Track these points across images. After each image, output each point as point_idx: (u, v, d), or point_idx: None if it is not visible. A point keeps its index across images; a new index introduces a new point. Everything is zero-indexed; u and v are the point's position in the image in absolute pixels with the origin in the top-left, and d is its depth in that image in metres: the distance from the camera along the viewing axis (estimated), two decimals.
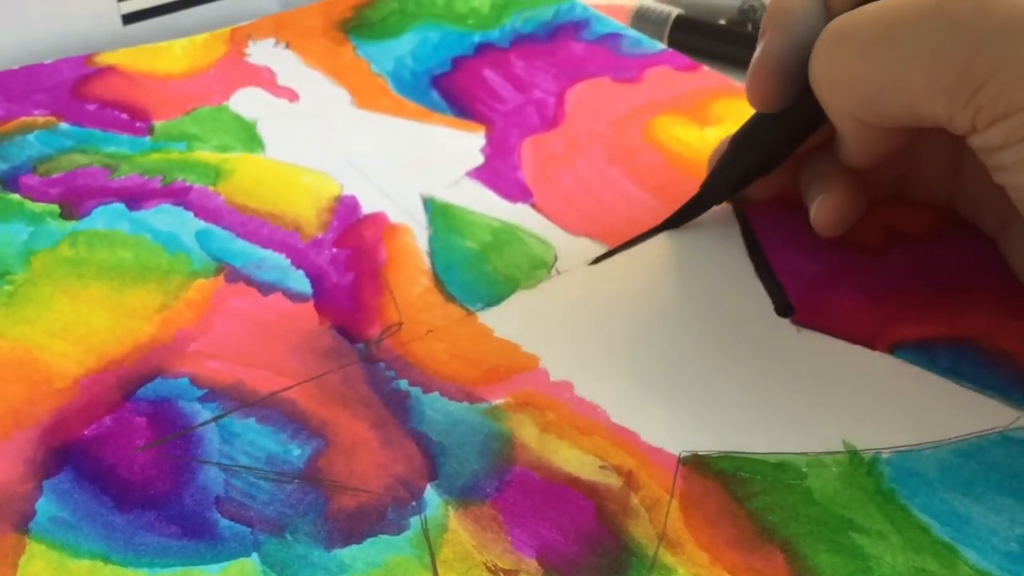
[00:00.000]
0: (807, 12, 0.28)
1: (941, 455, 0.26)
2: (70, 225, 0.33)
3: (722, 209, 0.34)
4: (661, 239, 0.33)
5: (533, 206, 0.34)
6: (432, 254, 0.32)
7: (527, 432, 0.26)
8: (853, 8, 0.27)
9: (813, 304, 0.30)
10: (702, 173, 0.35)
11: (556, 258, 0.32)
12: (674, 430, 0.27)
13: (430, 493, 0.25)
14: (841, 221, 0.31)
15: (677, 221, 0.33)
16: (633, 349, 0.29)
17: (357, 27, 0.43)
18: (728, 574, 0.23)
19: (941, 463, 0.26)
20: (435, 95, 0.39)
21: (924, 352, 0.29)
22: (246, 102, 0.39)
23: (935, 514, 0.25)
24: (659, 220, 0.33)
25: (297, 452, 0.26)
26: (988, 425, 0.27)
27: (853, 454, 0.26)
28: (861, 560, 0.24)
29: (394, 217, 0.34)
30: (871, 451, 0.26)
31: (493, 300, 0.31)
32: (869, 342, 0.29)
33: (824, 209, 0.31)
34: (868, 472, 0.26)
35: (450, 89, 0.40)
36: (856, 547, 0.24)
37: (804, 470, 0.26)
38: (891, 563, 0.24)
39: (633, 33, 0.43)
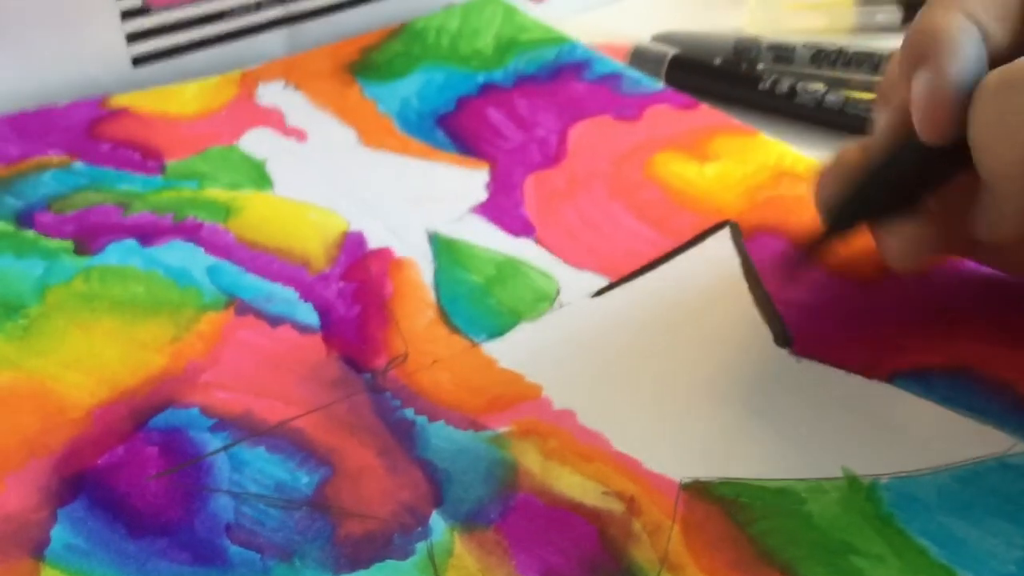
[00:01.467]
0: (973, 41, 0.26)
1: (939, 480, 0.26)
2: (84, 261, 0.34)
3: (720, 241, 0.34)
4: (661, 272, 0.33)
5: (536, 240, 0.35)
6: (437, 287, 0.33)
7: (531, 459, 0.27)
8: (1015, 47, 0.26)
9: (811, 334, 0.31)
10: (702, 207, 0.35)
11: (559, 291, 0.33)
12: (675, 457, 0.27)
13: (435, 519, 0.25)
14: (914, 263, 0.29)
15: (801, 260, 0.30)
16: (635, 379, 0.29)
17: (364, 69, 0.44)
18: None
19: (939, 488, 0.26)
20: (440, 134, 0.40)
21: (921, 381, 0.29)
22: (256, 142, 0.40)
23: (933, 537, 0.25)
24: (659, 253, 0.34)
25: (305, 480, 0.26)
26: (985, 451, 0.27)
27: (852, 480, 0.26)
28: None
29: (400, 252, 0.34)
30: (870, 477, 0.27)
31: (497, 332, 0.31)
32: (867, 371, 0.30)
33: (904, 246, 0.29)
34: (867, 497, 0.26)
35: (454, 128, 0.41)
36: (855, 570, 0.24)
37: (804, 495, 0.26)
38: None
39: (633, 73, 0.44)
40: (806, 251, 0.30)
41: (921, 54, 0.27)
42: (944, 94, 0.26)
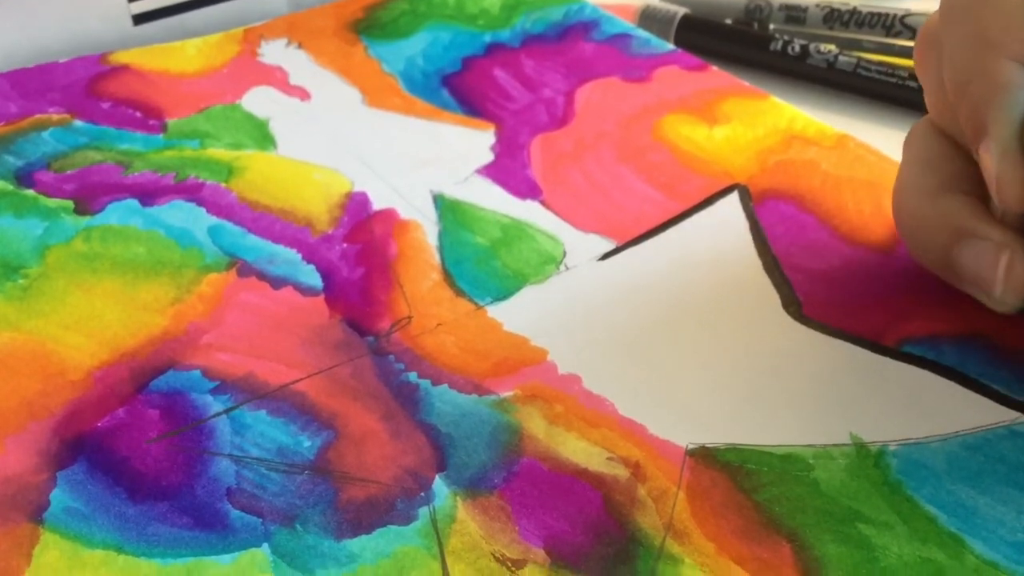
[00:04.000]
0: None
1: (948, 448, 0.26)
2: (84, 220, 0.33)
3: (729, 205, 0.34)
4: (668, 235, 0.33)
5: (542, 203, 0.34)
6: (442, 249, 0.32)
7: (535, 424, 0.27)
8: None
9: (820, 299, 0.31)
10: (711, 171, 0.35)
11: (565, 254, 0.32)
12: (681, 423, 0.27)
13: (439, 484, 0.25)
14: None
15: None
16: (641, 343, 0.29)
17: (368, 27, 0.44)
18: (734, 564, 0.23)
19: (948, 456, 0.26)
20: (445, 94, 0.40)
21: (931, 347, 0.29)
22: (258, 101, 0.39)
23: (942, 505, 0.25)
24: (667, 216, 0.33)
25: (307, 444, 0.26)
26: (995, 419, 0.27)
27: (860, 446, 0.26)
28: (867, 550, 0.24)
29: (404, 213, 0.34)
30: (878, 443, 0.26)
31: (502, 295, 0.31)
32: (877, 337, 0.29)
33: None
34: (875, 464, 0.26)
35: (460, 88, 0.40)
36: (863, 537, 0.24)
37: (811, 462, 0.26)
38: (897, 553, 0.24)
39: (642, 33, 0.43)
40: None
41: (981, 122, 0.25)
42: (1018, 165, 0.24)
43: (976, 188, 0.28)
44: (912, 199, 0.29)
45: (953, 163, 0.28)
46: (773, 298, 0.31)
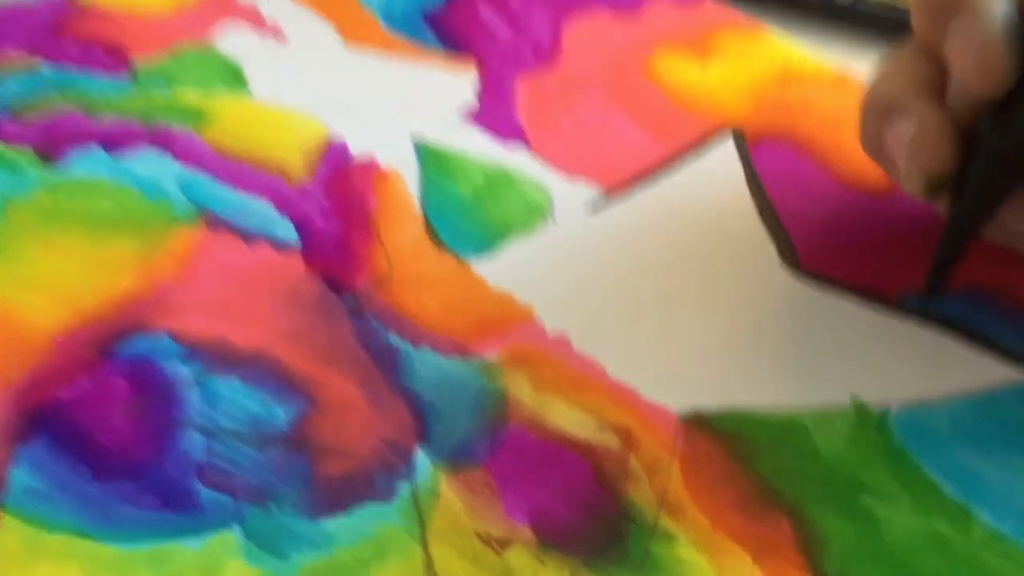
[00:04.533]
0: None
1: (953, 410, 0.25)
2: (48, 171, 0.31)
3: (724, 150, 0.32)
4: (661, 183, 0.31)
5: (528, 149, 0.33)
6: (424, 200, 0.31)
7: (522, 389, 0.25)
8: None
9: (818, 249, 0.29)
10: (704, 111, 0.33)
11: (552, 203, 0.31)
12: (674, 386, 0.25)
13: (420, 457, 0.24)
14: None
15: (937, 285, 0.26)
16: (632, 300, 0.28)
17: None
18: (731, 541, 0.22)
19: (953, 418, 0.25)
20: (427, 31, 0.38)
21: (936, 300, 0.28)
22: (231, 40, 0.37)
23: (948, 473, 0.24)
24: (659, 161, 0.32)
25: (282, 414, 0.25)
26: (1002, 376, 0.26)
27: (862, 410, 0.25)
28: (871, 523, 0.23)
29: (384, 161, 0.32)
30: (880, 406, 0.25)
31: (487, 248, 0.29)
32: (877, 289, 0.28)
33: None
34: (877, 428, 0.25)
35: (442, 24, 0.38)
36: (865, 510, 0.23)
37: (810, 427, 0.25)
38: (902, 526, 0.23)
39: None
40: (940, 271, 0.26)
41: (951, 7, 0.24)
42: (993, 40, 0.23)
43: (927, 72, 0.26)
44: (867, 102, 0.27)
45: (919, 68, 0.26)
46: (769, 249, 0.29)
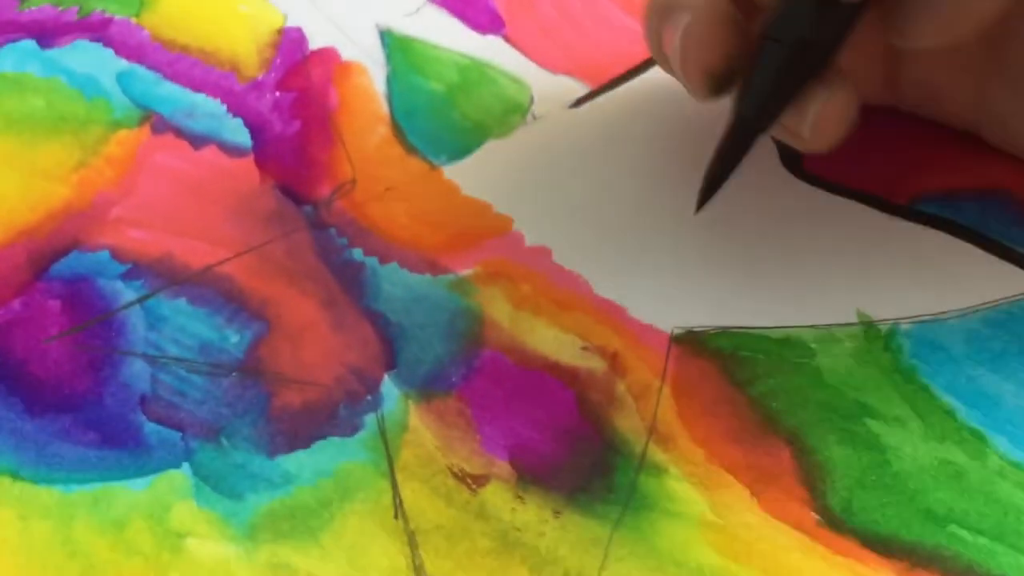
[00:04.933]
0: None
1: (968, 325, 0.23)
2: None
3: None
4: (651, 76, 0.29)
5: (505, 38, 0.30)
6: (391, 98, 0.28)
7: (499, 308, 0.23)
8: None
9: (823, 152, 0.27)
10: None
11: (532, 100, 0.28)
12: (665, 303, 0.23)
13: (387, 385, 0.22)
14: (843, 131, 0.23)
15: (716, 180, 0.23)
16: (619, 208, 0.25)
17: None
18: (726, 473, 0.21)
19: (968, 334, 0.23)
20: None
21: (947, 204, 0.25)
22: None
23: (961, 395, 0.22)
24: (648, 53, 0.29)
25: (235, 339, 0.22)
26: (1020, 289, 0.24)
27: (868, 326, 0.23)
28: (878, 452, 0.21)
29: (346, 53, 0.29)
30: (888, 322, 0.23)
31: (460, 152, 0.27)
32: (886, 194, 0.26)
33: (830, 112, 0.22)
34: (885, 346, 0.23)
35: None
36: (872, 437, 0.21)
37: (813, 346, 0.23)
38: (911, 455, 0.21)
39: None
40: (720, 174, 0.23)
41: None
42: None
43: None
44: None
45: None
46: (769, 150, 0.27)
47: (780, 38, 0.22)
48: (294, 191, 0.26)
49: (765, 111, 0.22)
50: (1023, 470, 0.21)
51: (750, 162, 0.26)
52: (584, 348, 0.22)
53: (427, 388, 0.22)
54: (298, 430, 0.21)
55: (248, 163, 0.26)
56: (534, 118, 0.28)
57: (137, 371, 0.22)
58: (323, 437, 0.21)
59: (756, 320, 0.23)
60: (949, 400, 0.22)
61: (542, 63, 0.29)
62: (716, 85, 0.22)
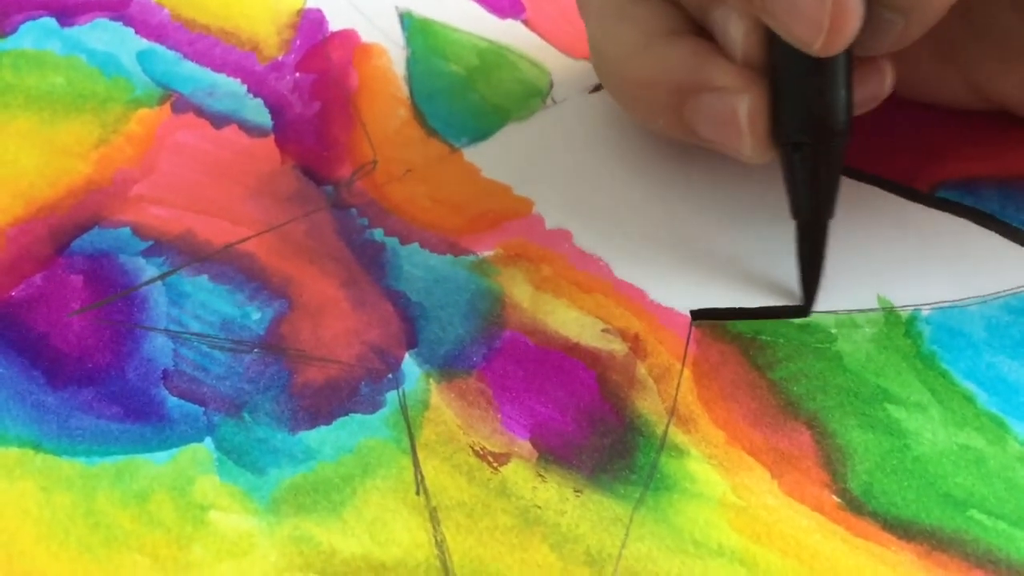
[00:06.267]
0: None
1: (988, 311, 0.23)
2: None
3: None
4: None
5: (525, 23, 0.30)
6: (410, 80, 0.28)
7: (519, 290, 0.23)
8: None
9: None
10: None
11: (552, 84, 0.28)
12: (685, 286, 0.23)
13: (408, 363, 0.22)
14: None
15: (813, 279, 0.23)
16: (639, 191, 0.25)
17: None
18: (747, 455, 0.21)
19: (988, 321, 0.23)
20: None
21: (969, 191, 0.25)
22: None
23: (981, 381, 0.22)
24: None
25: (256, 316, 0.22)
26: None
27: (889, 312, 0.23)
28: (898, 437, 0.21)
29: (365, 35, 0.29)
30: (909, 308, 0.23)
31: (480, 134, 0.27)
32: (907, 181, 0.26)
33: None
34: (906, 332, 0.23)
35: None
36: (892, 422, 0.21)
37: (833, 331, 0.23)
38: (931, 440, 0.21)
39: None
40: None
41: None
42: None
43: (686, 25, 0.23)
44: (619, 60, 0.23)
45: (650, 4, 0.23)
46: None
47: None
48: (314, 171, 0.26)
49: (823, 202, 0.22)
50: None
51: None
52: (605, 330, 0.22)
53: (448, 367, 0.22)
54: (320, 407, 0.21)
55: (268, 143, 0.26)
56: (553, 102, 0.28)
57: (159, 346, 0.22)
58: (345, 414, 0.21)
59: (776, 304, 0.23)
60: (969, 386, 0.22)
61: (561, 47, 0.29)
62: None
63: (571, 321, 0.23)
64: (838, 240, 0.24)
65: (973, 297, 0.23)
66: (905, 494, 0.20)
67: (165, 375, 0.21)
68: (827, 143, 0.22)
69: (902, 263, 0.24)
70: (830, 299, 0.23)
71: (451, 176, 0.26)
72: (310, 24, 0.30)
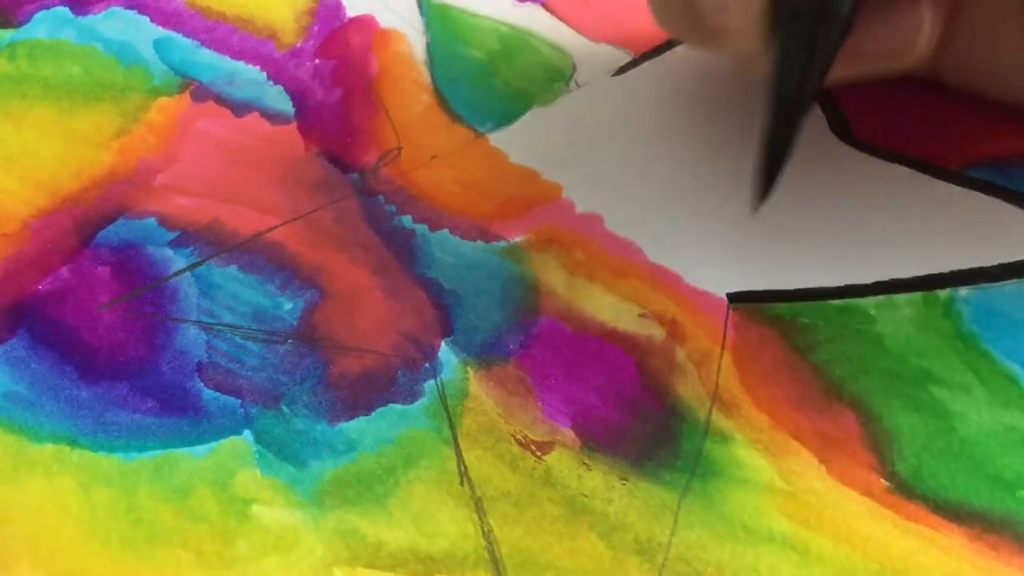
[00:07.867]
0: None
1: None
2: (8, 34, 0.28)
3: None
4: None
5: (545, 6, 0.29)
6: (432, 65, 0.28)
7: (553, 276, 0.23)
8: None
9: (872, 119, 0.26)
10: None
11: (574, 68, 0.28)
12: (722, 270, 0.23)
13: (445, 352, 0.21)
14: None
15: (770, 173, 0.21)
16: (670, 174, 0.25)
17: None
18: (792, 439, 0.20)
19: None
20: None
21: (1000, 171, 0.25)
22: None
23: (1022, 361, 0.22)
24: None
25: (289, 306, 0.22)
26: None
27: (928, 293, 0.23)
28: (943, 419, 0.21)
29: (384, 21, 0.29)
30: (947, 288, 0.23)
31: (505, 119, 0.26)
32: (937, 161, 0.25)
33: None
34: (945, 313, 0.22)
35: None
36: (936, 403, 0.21)
37: (872, 313, 0.22)
38: (977, 421, 0.21)
39: None
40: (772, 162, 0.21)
41: None
42: None
43: None
44: None
45: None
46: (819, 118, 0.26)
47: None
48: (339, 159, 0.25)
49: (806, 87, 0.21)
50: None
51: (804, 132, 0.26)
52: (642, 315, 0.22)
53: (485, 355, 0.21)
54: (358, 397, 0.21)
55: (291, 131, 0.26)
56: (577, 85, 0.27)
57: (192, 338, 0.21)
58: (384, 404, 0.20)
59: (815, 286, 0.23)
60: (1011, 366, 0.21)
61: (583, 31, 0.29)
62: None
63: (607, 306, 0.22)
64: (875, 219, 0.24)
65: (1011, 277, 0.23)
66: (954, 476, 0.20)
67: (200, 367, 0.21)
68: (825, 21, 0.20)
69: (938, 244, 0.24)
70: (867, 280, 0.23)
71: (478, 161, 0.25)
72: (327, 10, 0.29)
